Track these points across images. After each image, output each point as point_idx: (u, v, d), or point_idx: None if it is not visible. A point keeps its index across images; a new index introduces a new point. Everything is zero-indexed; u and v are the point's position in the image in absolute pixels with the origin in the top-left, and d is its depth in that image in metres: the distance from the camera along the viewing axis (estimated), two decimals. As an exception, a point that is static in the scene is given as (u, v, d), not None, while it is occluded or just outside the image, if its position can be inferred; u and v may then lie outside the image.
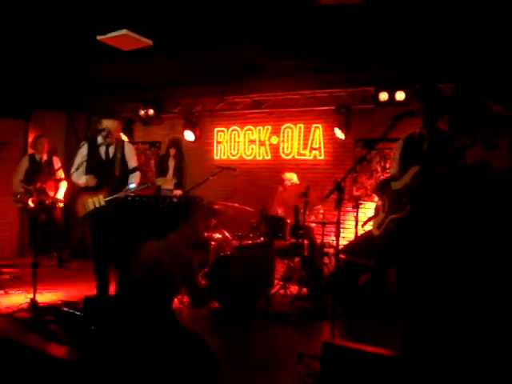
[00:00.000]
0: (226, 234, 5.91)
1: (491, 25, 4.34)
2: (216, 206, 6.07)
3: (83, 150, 4.91)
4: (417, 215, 3.39)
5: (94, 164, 4.88)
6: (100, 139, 4.92)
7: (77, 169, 4.79)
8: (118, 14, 4.42)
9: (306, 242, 5.70)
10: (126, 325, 3.06)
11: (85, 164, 4.84)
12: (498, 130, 5.91)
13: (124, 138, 6.97)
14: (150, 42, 5.03)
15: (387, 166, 6.72)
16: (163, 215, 3.80)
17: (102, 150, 4.95)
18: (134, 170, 4.96)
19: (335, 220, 4.25)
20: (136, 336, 2.99)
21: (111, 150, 4.96)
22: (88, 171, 4.84)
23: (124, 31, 4.58)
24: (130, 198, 4.18)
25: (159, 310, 3.15)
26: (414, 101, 3.67)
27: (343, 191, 3.34)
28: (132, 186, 4.52)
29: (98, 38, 4.80)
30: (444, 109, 3.58)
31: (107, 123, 4.94)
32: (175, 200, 3.78)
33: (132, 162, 5.04)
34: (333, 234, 6.46)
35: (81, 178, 4.84)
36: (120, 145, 5.01)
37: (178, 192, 7.37)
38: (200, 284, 3.33)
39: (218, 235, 5.91)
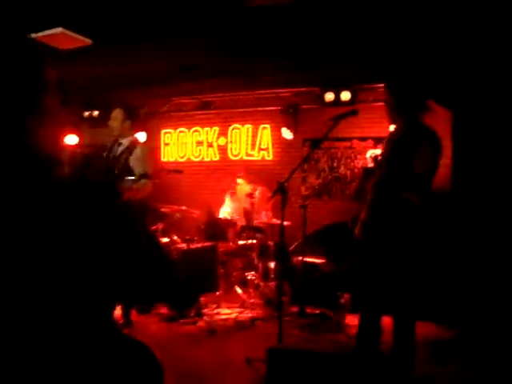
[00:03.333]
0: (175, 237, 5.79)
1: (434, 26, 4.44)
2: (163, 210, 5.93)
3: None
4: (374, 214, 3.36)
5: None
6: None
7: None
8: (55, 12, 4.24)
9: (256, 243, 5.65)
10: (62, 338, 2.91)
11: None
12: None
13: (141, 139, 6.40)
14: (89, 42, 4.86)
15: (335, 165, 6.79)
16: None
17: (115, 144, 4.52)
18: (142, 176, 4.26)
19: (283, 221, 4.26)
20: (73, 349, 2.84)
21: (121, 147, 4.49)
22: None
23: (60, 29, 4.40)
24: None
25: (100, 319, 3.02)
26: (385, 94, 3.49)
27: (287, 192, 3.31)
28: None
29: (33, 35, 4.58)
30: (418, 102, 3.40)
31: (114, 113, 4.55)
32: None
33: (141, 166, 4.35)
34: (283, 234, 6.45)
35: None
36: (133, 144, 4.48)
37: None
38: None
39: (165, 239, 5.78)
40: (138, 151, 4.44)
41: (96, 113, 7.71)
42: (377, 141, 6.19)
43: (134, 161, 4.39)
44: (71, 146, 7.82)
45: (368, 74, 5.87)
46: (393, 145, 3.30)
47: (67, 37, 4.60)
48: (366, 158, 4.54)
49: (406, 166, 3.13)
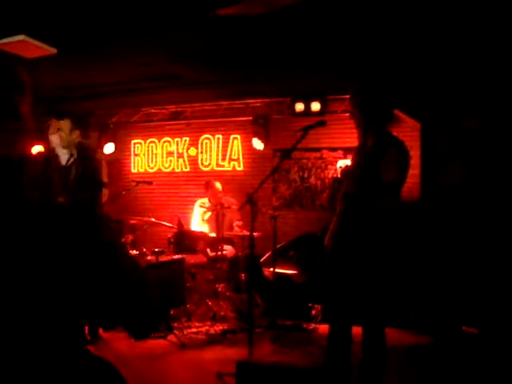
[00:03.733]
0: (144, 250, 5.67)
1: (401, 36, 4.48)
2: (132, 221, 5.82)
3: None
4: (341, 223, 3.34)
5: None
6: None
7: None
8: (17, 19, 4.13)
9: (226, 255, 5.59)
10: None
11: None
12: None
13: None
14: (55, 51, 4.73)
15: (305, 175, 6.79)
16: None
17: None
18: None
19: (254, 232, 4.22)
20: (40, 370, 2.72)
21: (71, 158, 4.34)
22: None
23: (22, 37, 4.26)
24: None
25: (64, 332, 2.91)
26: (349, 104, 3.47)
27: (256, 204, 3.27)
28: None
29: (-6, 43, 4.44)
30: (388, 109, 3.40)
31: (61, 124, 4.40)
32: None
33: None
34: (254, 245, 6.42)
35: None
36: (83, 154, 4.34)
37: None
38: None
39: (134, 252, 5.66)
40: (89, 161, 4.31)
41: (63, 123, 7.53)
42: (347, 151, 6.22)
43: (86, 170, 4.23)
44: (36, 154, 7.63)
45: (338, 85, 5.90)
46: (359, 156, 3.31)
47: (30, 45, 4.46)
48: (336, 169, 4.54)
49: (373, 177, 3.13)
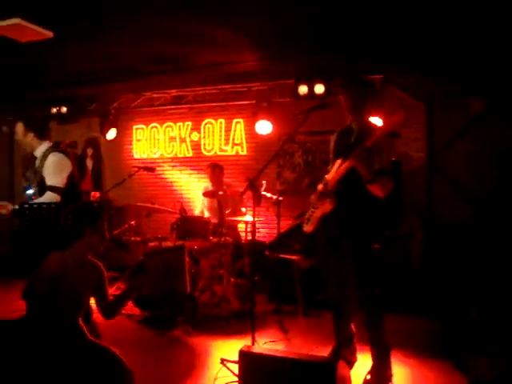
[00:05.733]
0: (147, 236, 5.64)
1: (408, 17, 4.37)
2: (135, 208, 5.78)
3: None
4: (340, 209, 3.32)
5: None
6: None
7: None
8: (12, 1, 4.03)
9: (229, 240, 5.54)
10: (30, 346, 2.76)
11: None
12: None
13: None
14: (51, 34, 4.64)
15: (310, 159, 6.71)
16: (66, 222, 3.48)
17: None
18: (48, 188, 3.93)
19: (258, 217, 4.17)
20: (40, 358, 2.70)
21: (37, 160, 4.14)
22: None
23: (17, 20, 4.16)
24: (26, 205, 3.75)
25: (66, 327, 2.88)
26: (338, 91, 3.49)
27: (258, 189, 3.21)
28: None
29: (-12, 26, 4.35)
30: (370, 99, 3.44)
31: (16, 128, 4.19)
32: (79, 205, 3.45)
33: (47, 178, 3.98)
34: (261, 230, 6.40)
35: None
36: (45, 154, 4.07)
37: (97, 194, 6.98)
38: (109, 295, 3.09)
39: (137, 238, 5.64)
40: (48, 160, 4.01)
41: (64, 109, 7.46)
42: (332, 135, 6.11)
43: (45, 171, 4.00)
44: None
45: (342, 66, 5.79)
46: (351, 139, 3.30)
47: (26, 28, 4.37)
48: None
49: (369, 160, 3.10)
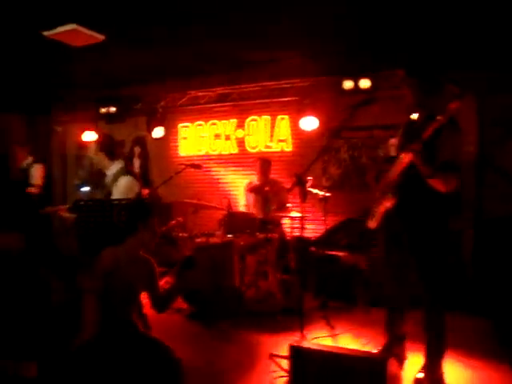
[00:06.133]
0: (194, 232, 5.74)
1: (461, 11, 4.27)
2: (182, 204, 5.88)
3: None
4: (401, 204, 3.28)
5: None
6: None
7: None
8: (65, 8, 4.18)
9: (275, 236, 5.56)
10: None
11: None
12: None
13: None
14: (102, 38, 4.80)
15: (356, 154, 6.64)
16: (119, 219, 3.60)
17: None
18: None
19: (303, 214, 4.17)
20: (96, 351, 2.82)
21: None
22: None
23: (73, 26, 4.33)
24: (82, 202, 3.94)
25: (120, 320, 2.99)
26: (403, 84, 3.40)
27: (305, 184, 3.21)
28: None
29: (45, 33, 4.54)
30: (435, 93, 3.34)
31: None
32: (131, 202, 3.58)
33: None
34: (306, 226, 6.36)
35: None
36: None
37: (146, 191, 7.15)
38: (161, 289, 3.18)
39: (184, 234, 5.74)
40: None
41: (113, 109, 7.68)
42: (398, 129, 5.99)
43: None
44: (90, 142, 7.84)
45: (387, 61, 5.70)
46: (415, 133, 3.19)
47: (80, 33, 4.55)
48: (387, 147, 4.38)
49: (430, 154, 3.03)
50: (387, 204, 3.30)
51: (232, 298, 4.78)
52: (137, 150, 7.75)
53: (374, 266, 5.10)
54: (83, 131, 7.77)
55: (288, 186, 5.60)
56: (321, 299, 5.21)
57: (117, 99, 7.66)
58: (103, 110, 7.73)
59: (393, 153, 3.52)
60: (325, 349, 2.84)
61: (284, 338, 4.20)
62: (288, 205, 5.67)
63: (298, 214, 5.43)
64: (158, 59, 5.92)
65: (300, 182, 3.20)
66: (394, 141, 3.66)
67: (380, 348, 3.51)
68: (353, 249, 5.59)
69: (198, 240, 5.39)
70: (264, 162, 6.15)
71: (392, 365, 2.72)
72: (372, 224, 3.46)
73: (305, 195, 3.53)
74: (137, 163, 7.72)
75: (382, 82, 6.03)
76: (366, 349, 3.74)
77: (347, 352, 2.81)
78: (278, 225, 5.92)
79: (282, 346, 3.84)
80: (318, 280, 5.57)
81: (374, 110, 5.88)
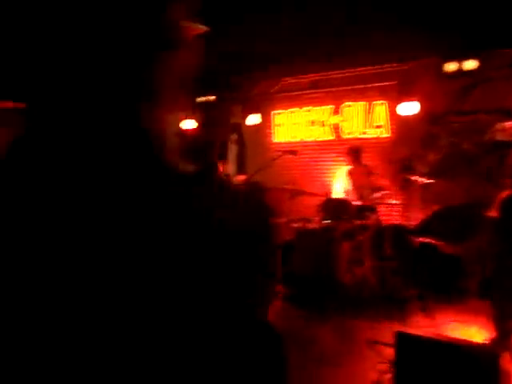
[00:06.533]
0: (291, 218, 5.83)
1: None
2: (280, 191, 5.99)
3: None
4: None
5: None
6: None
7: None
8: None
9: (371, 223, 5.52)
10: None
11: None
12: None
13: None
14: (205, 29, 4.95)
15: (456, 141, 6.35)
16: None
17: None
18: None
19: (400, 201, 4.10)
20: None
21: None
22: None
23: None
24: None
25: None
26: None
27: (412, 171, 3.16)
28: None
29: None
30: None
31: None
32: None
33: None
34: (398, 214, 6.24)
35: None
36: None
37: (242, 177, 7.34)
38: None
39: (282, 219, 5.85)
40: None
41: (212, 98, 7.92)
42: (505, 113, 5.65)
43: None
44: (189, 130, 8.16)
45: (493, 40, 5.36)
46: None
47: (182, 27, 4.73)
48: (493, 132, 4.17)
49: None
50: (509, 191, 3.18)
51: (331, 282, 4.83)
52: (233, 136, 7.95)
53: (479, 256, 4.90)
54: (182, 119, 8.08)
55: (382, 172, 5.54)
56: (418, 288, 5.11)
57: (215, 88, 7.88)
58: (202, 99, 8.00)
59: (499, 137, 3.36)
60: (434, 337, 2.79)
61: (383, 325, 4.19)
62: (384, 192, 5.59)
63: (396, 201, 5.35)
64: (261, 47, 5.94)
65: (406, 169, 3.16)
66: (505, 125, 3.49)
67: (488, 341, 3.40)
68: (452, 238, 5.41)
69: (295, 225, 5.49)
70: (351, 152, 6.07)
71: (506, 359, 2.63)
72: (493, 212, 3.35)
73: (405, 182, 3.48)
74: (234, 150, 7.92)
75: (487, 63, 5.69)
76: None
77: (460, 342, 2.74)
78: (375, 212, 5.86)
79: (381, 333, 3.84)
80: (415, 269, 5.46)
81: (477, 93, 5.59)
